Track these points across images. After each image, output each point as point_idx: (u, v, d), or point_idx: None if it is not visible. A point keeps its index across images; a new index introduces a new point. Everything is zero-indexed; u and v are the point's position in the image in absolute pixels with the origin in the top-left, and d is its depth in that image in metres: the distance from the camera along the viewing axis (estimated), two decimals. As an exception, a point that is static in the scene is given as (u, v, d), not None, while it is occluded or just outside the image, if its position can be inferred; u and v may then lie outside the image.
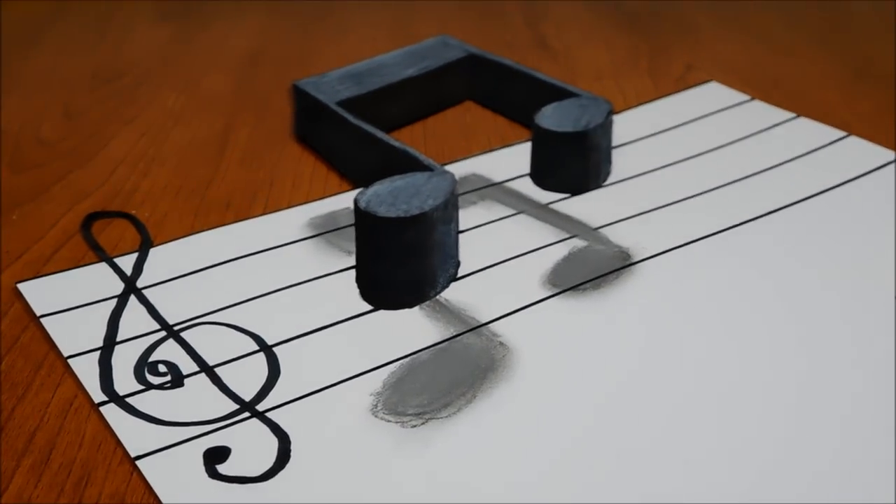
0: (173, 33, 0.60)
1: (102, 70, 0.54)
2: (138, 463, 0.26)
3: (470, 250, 0.35)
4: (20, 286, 0.34)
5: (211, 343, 0.31)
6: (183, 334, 0.31)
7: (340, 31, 0.59)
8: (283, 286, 0.34)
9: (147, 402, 0.28)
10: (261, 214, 0.38)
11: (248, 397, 0.28)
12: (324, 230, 0.37)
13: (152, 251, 0.36)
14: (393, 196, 0.33)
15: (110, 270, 0.35)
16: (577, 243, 0.36)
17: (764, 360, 0.29)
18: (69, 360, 0.30)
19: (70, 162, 0.43)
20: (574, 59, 0.54)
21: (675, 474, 0.25)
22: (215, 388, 0.29)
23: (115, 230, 0.38)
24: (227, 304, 0.33)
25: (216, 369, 0.30)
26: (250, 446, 0.26)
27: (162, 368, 0.30)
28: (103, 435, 0.27)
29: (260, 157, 0.43)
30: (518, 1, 0.64)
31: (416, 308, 0.32)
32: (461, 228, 0.37)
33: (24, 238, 0.37)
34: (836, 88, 0.49)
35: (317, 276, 0.34)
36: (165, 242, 0.36)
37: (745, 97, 0.47)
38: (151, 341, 0.31)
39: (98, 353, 0.30)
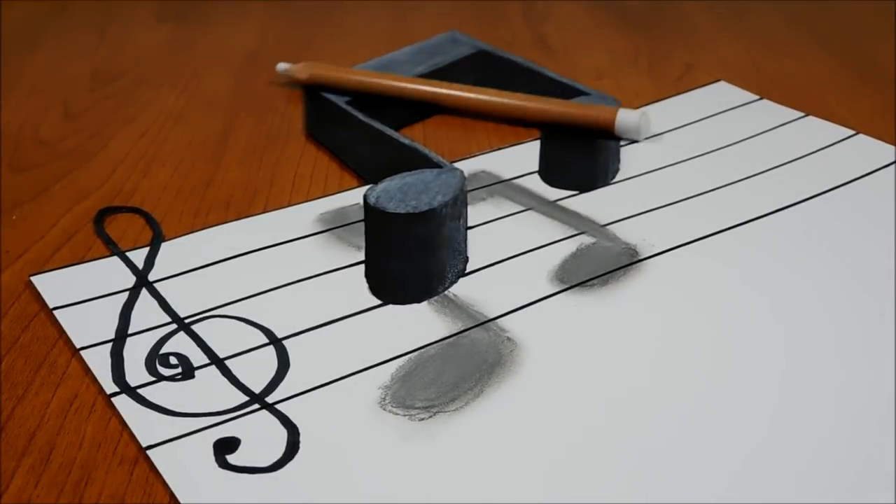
0: (173, 33, 0.60)
1: (102, 70, 0.54)
2: (149, 453, 0.26)
3: (478, 246, 0.36)
4: (33, 279, 0.34)
5: (221, 336, 0.31)
6: (194, 327, 0.31)
7: (340, 31, 0.59)
8: (293, 280, 0.34)
9: (158, 393, 0.29)
10: (261, 212, 0.38)
11: (257, 389, 0.29)
12: (333, 226, 0.37)
13: (163, 245, 0.36)
14: (402, 192, 0.33)
15: (122, 264, 0.35)
16: (585, 240, 0.36)
17: (772, 358, 0.30)
18: (81, 352, 0.30)
19: (70, 162, 0.44)
20: (574, 59, 0.54)
21: (683, 471, 0.25)
22: (225, 380, 0.29)
23: (121, 225, 0.38)
24: (238, 298, 0.33)
25: (226, 361, 0.30)
26: (260, 437, 0.27)
27: (173, 360, 0.30)
28: (103, 435, 0.27)
29: (260, 156, 0.44)
30: (518, 0, 0.64)
31: (425, 303, 0.33)
32: (470, 224, 0.37)
33: (24, 238, 0.37)
34: (836, 89, 0.49)
35: (326, 270, 0.34)
36: (176, 237, 0.37)
37: (754, 97, 0.48)
38: (163, 334, 0.31)
39: (110, 344, 0.31)
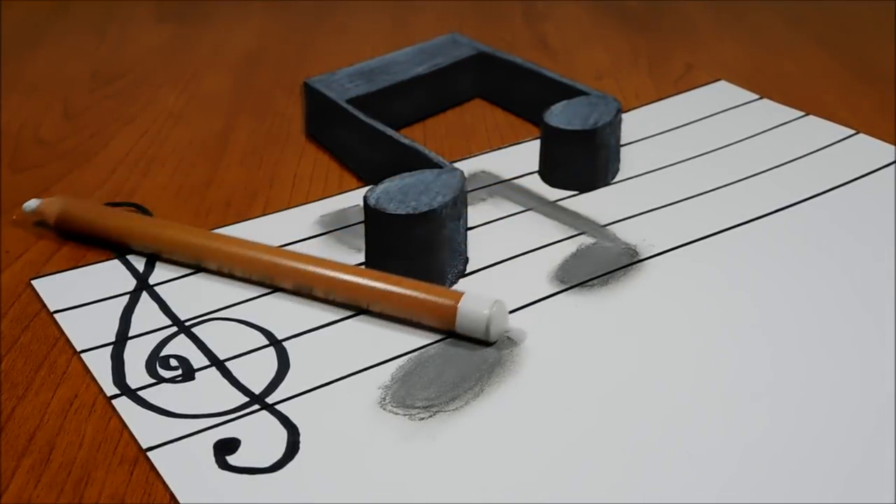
0: (173, 33, 0.60)
1: (102, 70, 0.54)
2: (150, 454, 0.26)
3: (478, 246, 0.36)
4: (34, 282, 0.34)
5: (221, 338, 0.31)
6: (194, 329, 0.31)
7: (340, 31, 0.59)
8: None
9: (158, 395, 0.29)
10: (261, 215, 0.38)
11: (257, 390, 0.29)
12: (333, 227, 0.37)
13: (164, 247, 0.36)
14: (402, 193, 0.33)
15: (122, 267, 0.35)
16: (585, 240, 0.36)
17: (771, 358, 0.30)
18: (82, 355, 0.30)
19: (70, 162, 0.44)
20: (574, 59, 0.54)
21: (681, 470, 0.25)
22: (225, 382, 0.29)
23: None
24: (238, 300, 0.33)
25: (226, 363, 0.30)
26: (260, 438, 0.27)
27: (173, 363, 0.30)
28: (103, 435, 0.27)
29: (260, 156, 0.44)
30: (518, 1, 0.64)
31: (425, 303, 0.32)
32: (470, 225, 0.37)
33: (24, 238, 0.37)
34: (836, 88, 0.49)
35: (326, 271, 0.34)
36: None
37: (754, 96, 0.48)
38: (163, 336, 0.31)
39: (111, 347, 0.31)
